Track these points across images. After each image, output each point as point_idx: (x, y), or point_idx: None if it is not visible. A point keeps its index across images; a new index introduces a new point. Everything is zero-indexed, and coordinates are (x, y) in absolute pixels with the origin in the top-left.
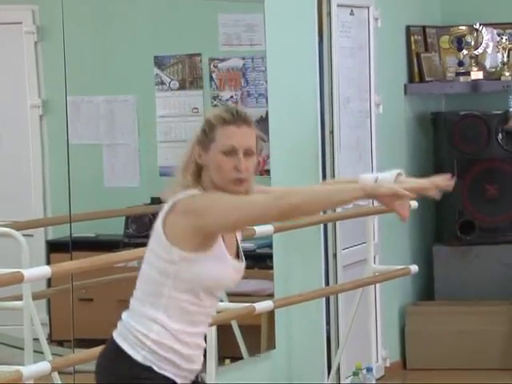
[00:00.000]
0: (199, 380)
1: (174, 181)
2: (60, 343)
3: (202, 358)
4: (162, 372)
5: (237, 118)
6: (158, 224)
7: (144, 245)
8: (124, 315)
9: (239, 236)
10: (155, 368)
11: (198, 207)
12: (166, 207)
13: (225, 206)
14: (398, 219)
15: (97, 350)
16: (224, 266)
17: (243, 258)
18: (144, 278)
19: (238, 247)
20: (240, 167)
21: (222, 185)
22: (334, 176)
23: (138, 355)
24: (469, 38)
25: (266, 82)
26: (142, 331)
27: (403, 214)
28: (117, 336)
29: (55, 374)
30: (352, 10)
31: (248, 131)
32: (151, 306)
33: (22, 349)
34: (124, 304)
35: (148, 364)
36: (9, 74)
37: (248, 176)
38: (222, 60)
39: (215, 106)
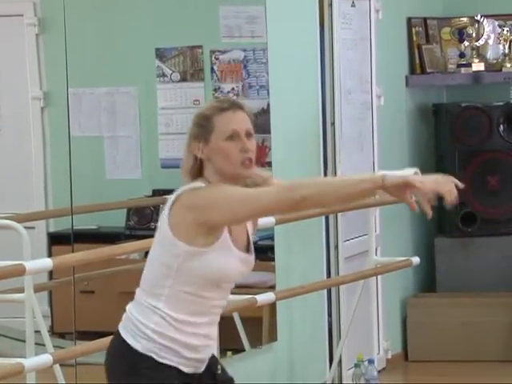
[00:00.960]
0: (218, 371)
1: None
2: (62, 335)
3: (213, 347)
4: (163, 361)
5: (230, 105)
6: (164, 217)
7: (145, 237)
8: (128, 306)
9: (250, 228)
10: (155, 357)
11: (203, 202)
12: (170, 200)
13: (232, 199)
14: (408, 209)
15: (98, 343)
16: (229, 259)
17: (253, 251)
18: (149, 269)
19: (248, 240)
20: (246, 148)
21: (231, 171)
22: (335, 167)
23: (137, 344)
24: (470, 30)
25: (268, 73)
26: (141, 320)
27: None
28: (120, 327)
29: (57, 367)
30: (353, 2)
31: (243, 114)
32: (153, 296)
33: (24, 341)
34: (126, 296)
35: (148, 354)
36: (10, 66)
37: (253, 157)
38: (224, 52)
39: (216, 97)
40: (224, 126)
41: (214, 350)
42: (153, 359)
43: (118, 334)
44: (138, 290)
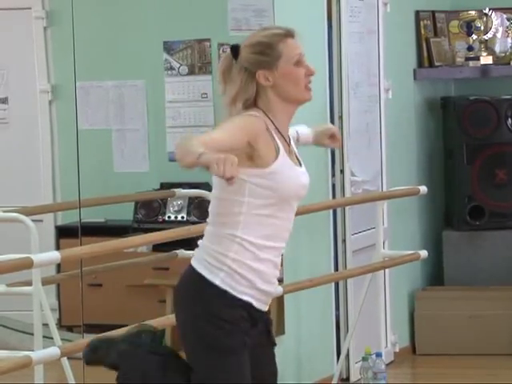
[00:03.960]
0: (271, 333)
1: (224, 114)
2: (69, 328)
3: (277, 280)
4: (239, 295)
5: (290, 31)
6: None
7: (153, 230)
8: (200, 242)
9: (293, 144)
10: (232, 292)
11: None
12: None
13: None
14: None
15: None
16: (293, 173)
17: (302, 163)
18: (217, 203)
19: (295, 154)
20: (311, 71)
21: (296, 94)
22: (342, 160)
23: (216, 278)
24: (478, 23)
25: None
26: (220, 251)
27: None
28: (194, 262)
29: (64, 360)
30: None
31: (298, 40)
32: (229, 225)
33: (32, 334)
34: (133, 289)
35: (224, 288)
36: (18, 59)
37: None
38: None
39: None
40: (292, 52)
41: (275, 290)
42: (230, 294)
43: (191, 269)
44: (207, 227)
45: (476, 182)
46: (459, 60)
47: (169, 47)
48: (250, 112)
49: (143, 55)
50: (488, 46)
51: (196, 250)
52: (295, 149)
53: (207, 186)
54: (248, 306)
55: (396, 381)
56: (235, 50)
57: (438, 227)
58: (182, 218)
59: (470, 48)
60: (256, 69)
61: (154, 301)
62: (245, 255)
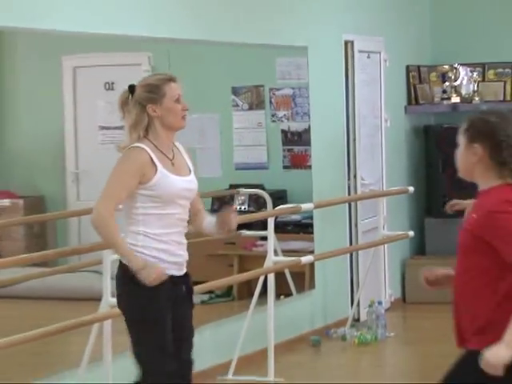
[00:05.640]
0: (190, 286)
1: (126, 139)
2: None
3: (184, 252)
4: None
5: (172, 77)
6: None
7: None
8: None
9: (188, 158)
10: None
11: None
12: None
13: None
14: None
15: None
16: (170, 182)
17: (191, 170)
18: (124, 211)
19: (186, 163)
20: (186, 107)
21: (174, 123)
22: (355, 170)
23: None
24: (450, 74)
25: (309, 104)
26: (131, 242)
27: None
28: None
29: None
30: (368, 55)
31: (179, 84)
32: (134, 224)
33: None
34: (211, 257)
35: None
36: None
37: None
38: (278, 89)
39: (273, 121)
40: (173, 92)
41: (186, 257)
42: None
43: (119, 263)
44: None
45: (449, 184)
46: (436, 99)
47: (235, 91)
48: (138, 144)
49: (218, 96)
50: (457, 90)
51: None
52: (188, 161)
53: (261, 187)
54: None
55: (392, 321)
56: (132, 88)
57: (422, 216)
58: (244, 208)
59: (444, 91)
60: (146, 103)
61: (225, 265)
62: (150, 242)
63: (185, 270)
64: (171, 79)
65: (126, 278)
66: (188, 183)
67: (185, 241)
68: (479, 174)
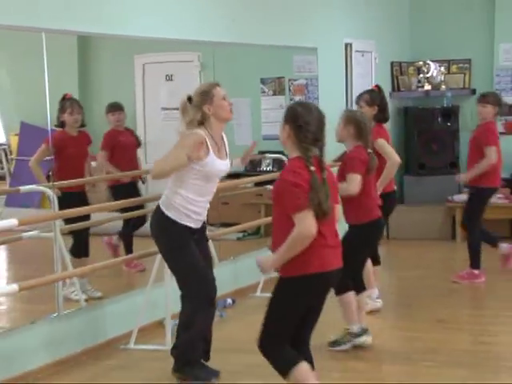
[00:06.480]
0: (205, 230)
1: (184, 129)
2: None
3: (205, 213)
4: (182, 222)
5: (217, 83)
6: None
7: (256, 175)
8: (164, 193)
9: (227, 145)
10: (178, 220)
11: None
12: None
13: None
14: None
15: None
16: (216, 164)
17: (227, 156)
18: (175, 175)
19: (225, 151)
20: (230, 103)
21: (225, 115)
22: None
23: (169, 213)
24: (423, 68)
25: (318, 91)
26: (172, 198)
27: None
28: (161, 203)
29: None
30: (363, 54)
31: (223, 88)
32: (178, 187)
33: None
34: (245, 205)
35: (173, 218)
36: (184, 92)
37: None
38: (295, 80)
39: (291, 101)
40: (220, 93)
41: (205, 217)
42: (177, 222)
43: (158, 207)
44: (167, 189)
45: (422, 150)
46: (413, 87)
47: (263, 81)
48: (195, 130)
49: (249, 85)
50: (429, 80)
51: (163, 196)
52: (227, 147)
53: (282, 153)
54: (188, 227)
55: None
56: (190, 98)
57: (402, 174)
58: (269, 169)
59: (419, 81)
60: (202, 104)
61: (255, 211)
62: (185, 203)
63: (201, 225)
64: (217, 84)
65: (160, 220)
66: (225, 166)
67: (208, 205)
68: (289, 146)
